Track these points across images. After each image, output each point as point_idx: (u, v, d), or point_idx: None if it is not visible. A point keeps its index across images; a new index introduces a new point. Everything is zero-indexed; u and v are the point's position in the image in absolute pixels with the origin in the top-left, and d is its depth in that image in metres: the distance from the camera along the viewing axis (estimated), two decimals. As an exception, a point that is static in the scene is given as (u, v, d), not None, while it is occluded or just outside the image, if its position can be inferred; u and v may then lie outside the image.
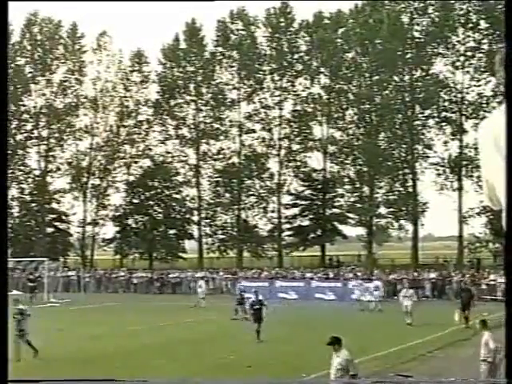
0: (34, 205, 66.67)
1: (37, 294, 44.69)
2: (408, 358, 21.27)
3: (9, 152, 65.97)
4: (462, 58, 57.83)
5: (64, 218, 68.56)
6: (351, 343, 13.28)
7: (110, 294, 51.56)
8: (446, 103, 58.40)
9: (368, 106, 60.05)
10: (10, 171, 66.75)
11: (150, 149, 68.27)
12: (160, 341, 25.62)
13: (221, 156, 65.86)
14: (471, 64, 57.25)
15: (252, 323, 25.44)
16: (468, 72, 57.71)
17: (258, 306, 25.66)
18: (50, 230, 68.14)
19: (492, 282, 41.65)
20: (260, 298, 26.45)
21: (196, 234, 66.20)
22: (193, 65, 65.40)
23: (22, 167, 67.44)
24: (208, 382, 12.12)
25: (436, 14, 57.97)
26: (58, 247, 66.28)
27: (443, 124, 58.82)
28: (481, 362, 14.50)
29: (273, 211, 64.76)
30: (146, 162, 67.98)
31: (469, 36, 57.44)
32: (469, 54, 57.34)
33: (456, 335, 25.68)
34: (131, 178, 67.97)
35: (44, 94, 67.28)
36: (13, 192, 67.32)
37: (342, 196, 62.43)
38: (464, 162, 57.53)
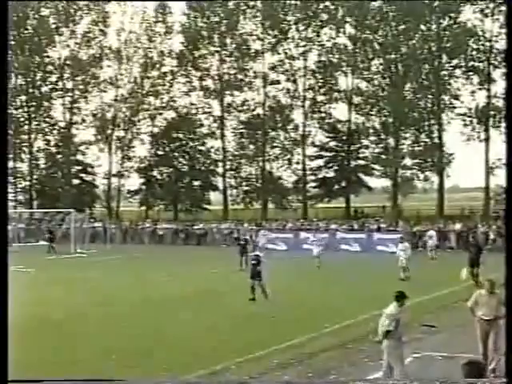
0: (59, 157, 67.09)
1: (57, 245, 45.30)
2: (432, 308, 21.36)
3: (34, 104, 66.32)
4: (491, 5, 56.53)
5: (90, 169, 68.99)
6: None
7: (135, 245, 52.11)
8: (474, 52, 57.33)
9: (394, 56, 59.22)
10: (36, 123, 67.20)
11: (174, 100, 68.02)
12: (186, 291, 25.87)
13: (245, 107, 65.54)
14: (501, 11, 55.78)
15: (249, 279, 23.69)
16: (497, 19, 56.44)
17: (255, 261, 23.90)
18: (76, 181, 68.68)
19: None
20: (257, 252, 24.81)
21: (220, 185, 66.46)
22: (217, 15, 64.69)
23: (47, 119, 67.67)
24: (209, 382, 12.30)
25: (465, -41, 56.62)
26: (84, 199, 66.86)
27: (470, 74, 57.90)
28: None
29: (297, 163, 64.62)
30: (171, 114, 68.02)
31: (499, -19, 56.01)
32: (499, 0, 55.94)
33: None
34: (156, 130, 68.04)
35: (68, 46, 67.05)
36: (39, 144, 67.85)
37: (367, 147, 62.12)
38: (491, 112, 56.76)
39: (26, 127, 66.29)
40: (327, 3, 62.57)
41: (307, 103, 64.05)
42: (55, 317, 20.27)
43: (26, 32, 64.93)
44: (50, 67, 66.90)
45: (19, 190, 66.00)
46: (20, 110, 65.63)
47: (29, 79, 66.04)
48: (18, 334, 13.65)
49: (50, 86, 67.27)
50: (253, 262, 24.02)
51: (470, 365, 7.10)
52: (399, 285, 26.42)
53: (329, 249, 39.39)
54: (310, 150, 64.73)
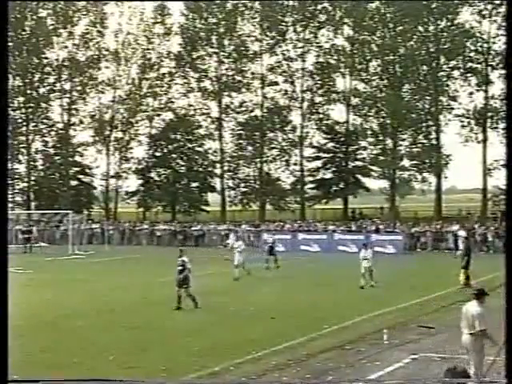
0: (57, 158, 66.99)
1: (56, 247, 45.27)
2: (430, 309, 21.33)
3: (32, 105, 66.23)
4: (489, 7, 56.57)
5: (87, 171, 68.91)
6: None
7: (133, 246, 52.07)
8: (472, 53, 57.38)
9: (392, 58, 59.22)
10: (34, 124, 67.12)
11: (172, 102, 68.01)
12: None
13: (243, 109, 65.50)
14: (499, 12, 55.82)
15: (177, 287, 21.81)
16: (495, 21, 56.48)
17: (181, 267, 21.77)
18: (73, 183, 68.54)
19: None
20: (184, 258, 22.06)
21: (219, 186, 66.34)
22: (215, 16, 64.65)
23: (45, 120, 67.56)
24: (209, 382, 12.32)
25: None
26: (82, 200, 66.79)
27: (468, 75, 57.93)
28: None
29: (295, 164, 64.58)
30: (169, 115, 67.96)
31: (497, -17, 56.03)
32: (497, 1, 55.97)
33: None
34: (153, 131, 68.00)
35: (66, 47, 67.00)
36: (37, 145, 67.79)
37: (365, 148, 62.06)
38: (489, 114, 56.79)
39: (23, 128, 66.20)
40: (325, 4, 62.60)
41: (305, 104, 64.06)
42: (46, 318, 20.25)
43: (23, 33, 64.87)
44: (47, 68, 66.84)
45: (17, 191, 65.86)
46: (18, 112, 65.52)
47: (27, 80, 65.97)
48: None
49: (48, 88, 67.20)
50: (178, 268, 21.86)
51: (452, 372, 6.70)
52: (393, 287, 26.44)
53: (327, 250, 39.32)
54: (308, 152, 64.80)
